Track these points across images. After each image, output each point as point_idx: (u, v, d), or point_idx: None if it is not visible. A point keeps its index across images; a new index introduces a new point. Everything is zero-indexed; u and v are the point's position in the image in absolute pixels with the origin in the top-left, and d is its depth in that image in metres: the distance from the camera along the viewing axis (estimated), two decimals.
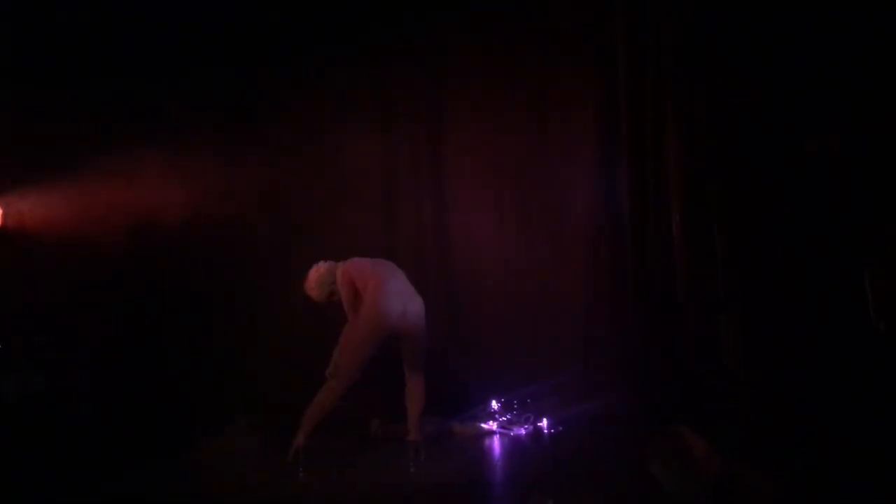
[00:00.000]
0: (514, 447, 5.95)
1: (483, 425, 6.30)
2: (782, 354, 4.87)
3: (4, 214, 5.98)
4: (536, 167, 6.57)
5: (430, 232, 6.77)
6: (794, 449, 4.22)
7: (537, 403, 6.30)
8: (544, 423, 6.22)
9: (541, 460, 5.61)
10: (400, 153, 6.85)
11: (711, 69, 5.43)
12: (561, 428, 6.16)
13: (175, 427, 5.81)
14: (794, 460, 4.02)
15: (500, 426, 6.27)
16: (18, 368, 5.69)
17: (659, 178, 5.88)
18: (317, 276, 5.67)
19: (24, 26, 6.10)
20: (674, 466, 3.47)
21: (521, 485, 5.06)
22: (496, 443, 6.07)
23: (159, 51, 6.39)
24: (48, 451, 5.30)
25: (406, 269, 6.32)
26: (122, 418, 5.79)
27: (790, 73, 5.01)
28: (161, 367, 6.25)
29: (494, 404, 6.38)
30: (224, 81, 6.55)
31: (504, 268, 6.60)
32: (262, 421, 6.01)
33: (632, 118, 6.03)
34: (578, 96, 6.41)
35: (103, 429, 5.64)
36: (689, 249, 5.61)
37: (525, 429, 6.21)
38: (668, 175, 5.80)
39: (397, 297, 5.48)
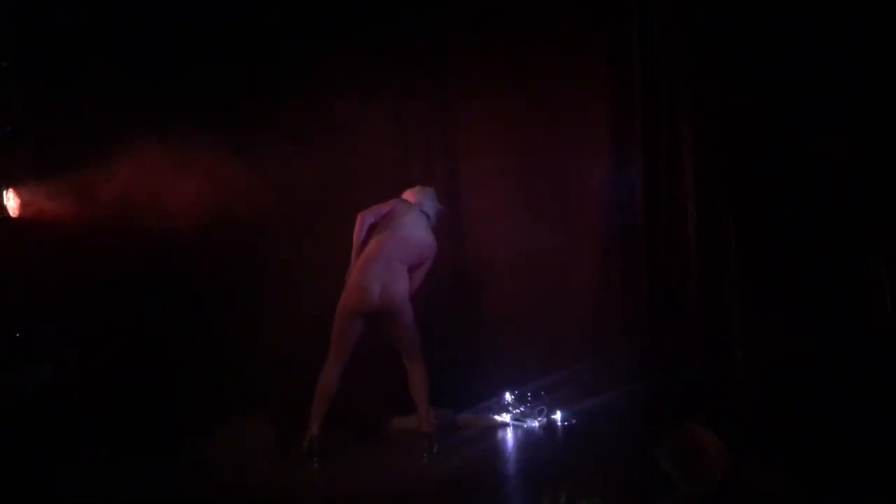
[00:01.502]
0: (528, 440, 5.96)
1: (496, 417, 6.31)
2: (794, 352, 4.86)
3: (22, 205, 5.99)
4: (549, 163, 6.55)
5: (442, 226, 6.76)
6: (802, 446, 4.21)
7: (551, 396, 6.30)
8: (558, 415, 6.22)
9: (553, 453, 5.61)
10: (411, 149, 6.83)
11: (725, 65, 5.41)
12: (574, 421, 6.16)
13: (186, 419, 5.85)
14: (804, 458, 4.01)
15: (514, 418, 6.27)
16: (29, 360, 5.72)
17: (672, 174, 5.86)
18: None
19: (43, 18, 6.13)
20: (685, 462, 3.47)
21: (534, 478, 5.06)
22: (509, 435, 6.08)
23: (175, 47, 6.40)
24: (57, 442, 5.34)
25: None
26: (131, 411, 5.81)
27: (805, 70, 4.98)
28: (173, 358, 6.26)
29: (508, 396, 6.38)
30: (235, 79, 6.55)
31: (516, 262, 6.58)
32: (276, 413, 6.03)
33: (645, 113, 6.00)
34: (592, 90, 6.38)
35: (112, 421, 5.66)
36: (702, 245, 5.59)
37: (538, 421, 6.21)
38: (681, 170, 5.78)
39: (377, 278, 5.52)
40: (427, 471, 5.25)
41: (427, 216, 5.95)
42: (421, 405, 5.61)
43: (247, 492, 4.96)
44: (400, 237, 5.70)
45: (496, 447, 5.89)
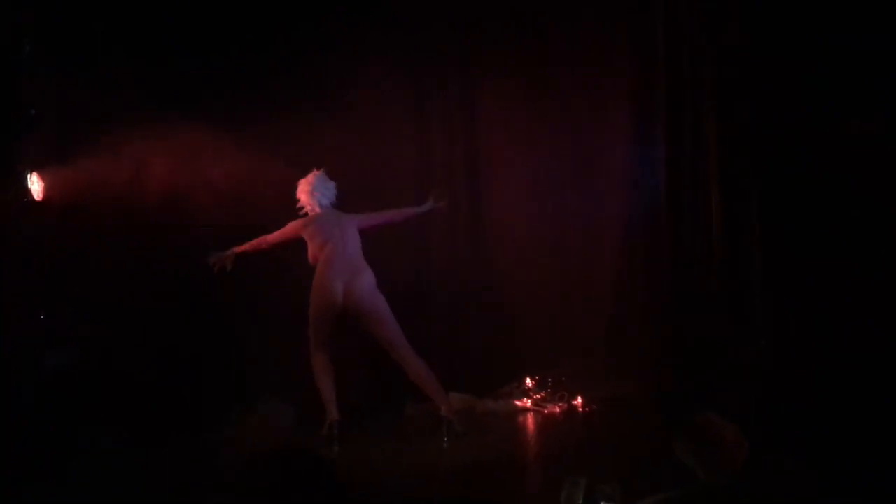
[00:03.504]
0: (547, 425, 5.96)
1: (517, 403, 6.31)
2: (817, 341, 4.82)
3: (45, 187, 6.02)
4: (572, 146, 6.54)
5: (464, 214, 6.78)
6: (824, 436, 4.19)
7: (571, 381, 6.30)
8: (578, 401, 6.21)
9: (573, 439, 5.61)
10: (434, 139, 6.83)
11: (750, 47, 5.33)
12: (594, 407, 6.15)
13: (206, 403, 5.89)
14: (825, 448, 3.99)
15: (534, 404, 6.27)
16: (53, 343, 5.77)
17: (696, 157, 5.81)
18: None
19: (66, 1, 6.16)
20: (702, 453, 3.45)
21: (553, 463, 5.06)
22: (529, 421, 6.08)
23: (200, 32, 6.42)
24: (83, 423, 5.40)
25: (441, 251, 6.36)
26: (152, 395, 5.85)
27: (831, 51, 4.91)
28: (197, 338, 6.30)
29: (528, 382, 6.39)
30: (255, 63, 6.55)
31: (538, 247, 6.59)
32: (298, 396, 6.05)
33: (669, 95, 5.95)
34: (615, 78, 6.36)
35: (133, 405, 5.70)
36: (726, 230, 5.55)
37: (559, 407, 6.21)
38: (705, 154, 5.73)
39: (339, 276, 5.55)
40: (447, 455, 5.27)
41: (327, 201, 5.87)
42: (433, 393, 5.62)
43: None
44: (339, 236, 5.69)
45: (516, 432, 5.92)
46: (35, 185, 5.94)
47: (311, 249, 5.71)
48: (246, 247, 5.82)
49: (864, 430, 4.18)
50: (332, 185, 5.88)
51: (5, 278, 5.62)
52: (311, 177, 5.87)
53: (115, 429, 5.40)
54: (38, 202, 5.94)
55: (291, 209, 6.39)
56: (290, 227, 5.80)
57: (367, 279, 5.61)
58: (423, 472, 4.94)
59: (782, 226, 5.15)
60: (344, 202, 6.19)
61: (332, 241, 5.68)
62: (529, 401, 6.30)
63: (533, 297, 6.60)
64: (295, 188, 5.97)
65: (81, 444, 5.23)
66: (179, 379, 6.05)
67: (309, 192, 5.84)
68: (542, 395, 6.31)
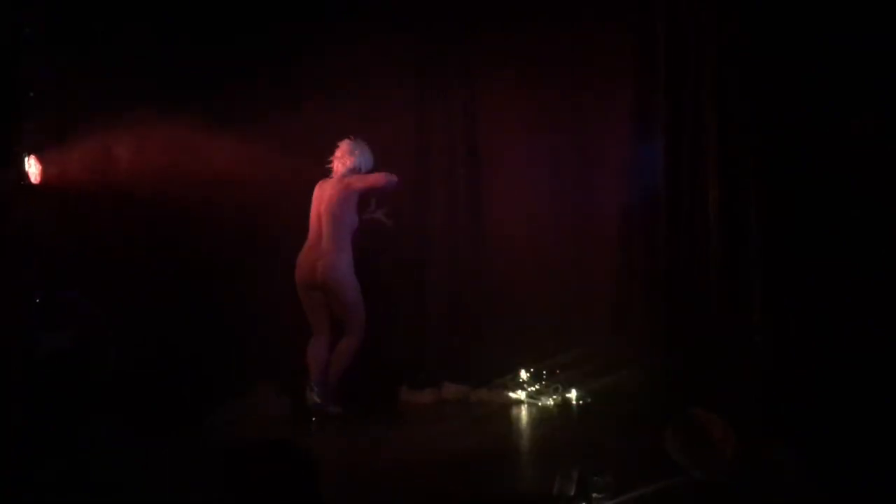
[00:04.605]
0: (542, 418, 5.98)
1: (511, 395, 6.34)
2: (813, 339, 4.84)
3: (43, 171, 6.01)
4: (571, 142, 6.55)
5: (462, 205, 6.78)
6: (819, 432, 4.22)
7: (566, 374, 6.33)
8: (573, 393, 6.24)
9: (567, 432, 5.63)
10: (434, 138, 6.82)
11: (751, 51, 5.35)
12: (589, 400, 6.17)
13: (200, 390, 5.89)
14: (820, 443, 4.02)
15: (528, 396, 6.30)
16: (50, 325, 5.76)
17: (696, 154, 5.83)
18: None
19: None
20: (691, 450, 3.48)
21: (547, 455, 5.08)
22: (524, 413, 6.11)
23: (198, 16, 6.40)
24: (77, 408, 5.39)
25: (438, 240, 6.38)
26: (150, 379, 5.84)
27: (832, 50, 4.92)
28: (192, 327, 6.29)
29: (523, 374, 6.41)
30: (259, 48, 6.53)
31: (535, 240, 6.60)
32: (291, 384, 6.07)
33: (670, 92, 5.96)
34: (615, 77, 6.35)
35: (130, 390, 5.69)
36: (724, 227, 5.57)
37: (553, 399, 6.23)
38: (705, 152, 5.74)
39: (315, 253, 5.71)
40: (440, 446, 5.27)
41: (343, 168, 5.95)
42: (333, 372, 5.70)
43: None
44: (320, 213, 5.81)
45: (510, 424, 5.94)
46: (33, 168, 5.93)
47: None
48: None
49: (863, 429, 4.20)
50: (353, 155, 5.95)
51: (0, 261, 5.60)
52: (343, 142, 5.97)
53: (109, 419, 5.40)
54: (35, 185, 5.92)
55: (290, 197, 6.42)
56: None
57: (345, 259, 5.71)
58: (414, 462, 4.92)
59: (782, 225, 5.17)
60: None
61: (317, 214, 5.81)
62: (524, 393, 6.32)
63: (531, 293, 6.59)
64: (292, 174, 6.10)
65: (72, 433, 5.22)
66: (174, 368, 6.04)
67: (334, 157, 5.96)
68: (537, 387, 6.32)
